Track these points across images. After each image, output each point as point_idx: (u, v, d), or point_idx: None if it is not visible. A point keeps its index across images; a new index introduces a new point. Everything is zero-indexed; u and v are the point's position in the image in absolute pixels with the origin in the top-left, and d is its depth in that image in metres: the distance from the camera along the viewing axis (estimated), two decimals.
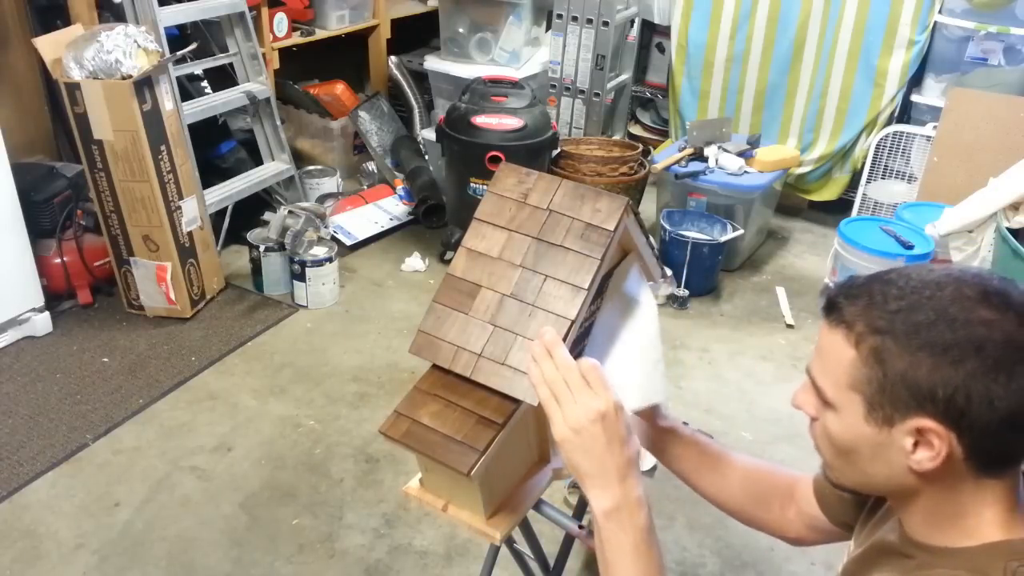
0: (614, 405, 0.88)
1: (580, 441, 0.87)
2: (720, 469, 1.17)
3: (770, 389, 2.68)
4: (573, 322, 0.97)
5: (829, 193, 3.79)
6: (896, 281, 0.80)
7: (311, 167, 3.79)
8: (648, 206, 3.62)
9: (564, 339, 0.96)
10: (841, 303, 0.82)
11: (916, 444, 0.77)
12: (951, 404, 0.74)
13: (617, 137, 3.99)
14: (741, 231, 3.17)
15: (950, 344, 0.74)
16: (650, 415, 1.17)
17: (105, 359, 2.65)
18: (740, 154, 3.34)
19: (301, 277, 2.95)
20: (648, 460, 2.29)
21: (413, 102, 4.03)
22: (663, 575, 0.89)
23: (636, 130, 4.31)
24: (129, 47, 2.54)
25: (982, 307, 0.75)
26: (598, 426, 0.87)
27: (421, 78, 3.98)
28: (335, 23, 3.65)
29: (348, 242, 3.38)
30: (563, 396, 0.88)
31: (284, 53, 3.43)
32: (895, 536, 0.87)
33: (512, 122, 3.07)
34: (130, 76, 2.52)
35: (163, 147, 2.65)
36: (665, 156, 3.43)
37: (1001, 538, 0.79)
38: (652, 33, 4.16)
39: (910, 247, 2.87)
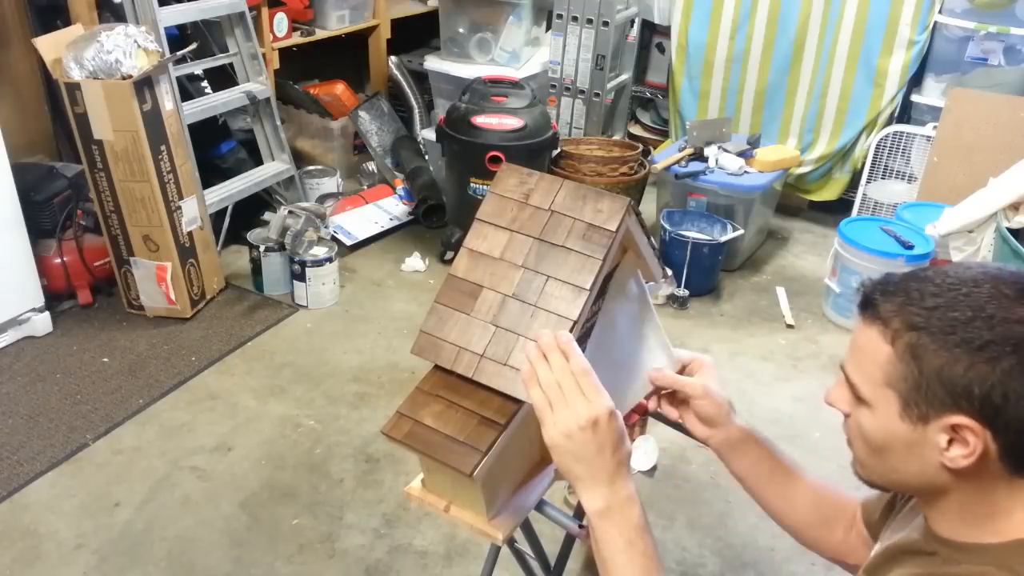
0: (607, 411, 0.88)
1: (571, 446, 0.88)
2: (792, 483, 1.14)
3: (770, 389, 2.68)
4: (575, 323, 0.97)
5: (829, 193, 3.80)
6: (933, 278, 0.80)
7: (311, 167, 3.79)
8: (648, 206, 3.62)
9: None
10: (877, 300, 0.82)
11: (951, 441, 0.77)
12: (987, 402, 0.74)
13: (617, 137, 3.99)
14: (741, 231, 3.17)
15: (987, 342, 0.74)
16: (726, 414, 1.13)
17: (105, 359, 2.65)
18: (740, 154, 3.35)
19: (301, 277, 2.95)
20: (649, 460, 2.29)
21: (413, 102, 4.03)
22: (659, 567, 0.90)
23: (636, 130, 4.31)
24: (129, 47, 2.53)
25: (1020, 305, 0.75)
26: (589, 432, 0.87)
27: (421, 78, 3.98)
28: (335, 23, 3.65)
29: (348, 242, 3.38)
30: (556, 401, 0.88)
31: (284, 53, 3.43)
32: (918, 534, 0.87)
33: (512, 122, 3.07)
34: (130, 76, 2.52)
35: (163, 147, 2.65)
36: (665, 156, 3.43)
37: None
38: (652, 33, 4.16)
39: (910, 247, 2.87)
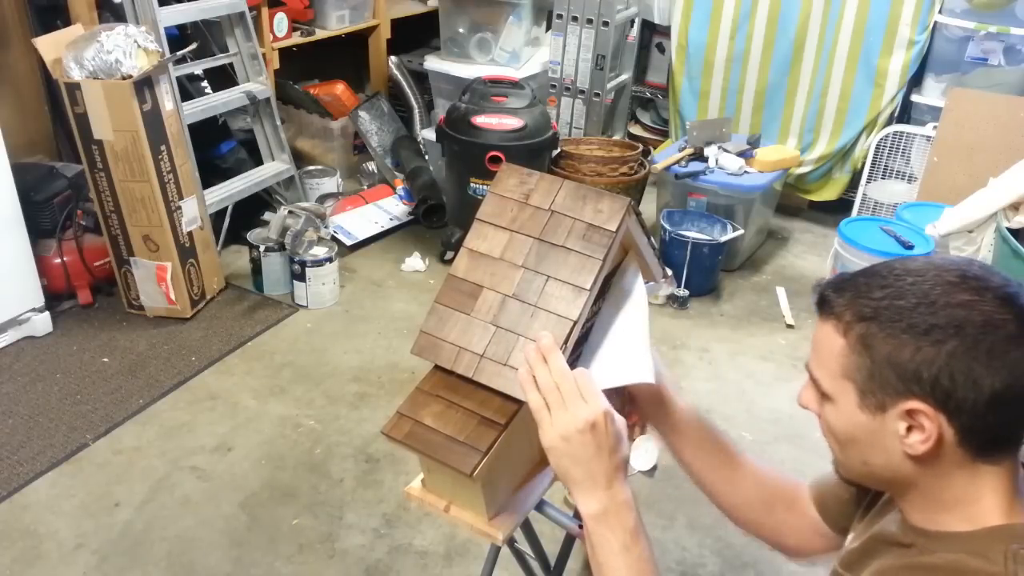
0: (604, 414, 0.89)
1: (569, 449, 0.89)
2: (735, 466, 1.15)
3: (770, 389, 2.68)
4: (575, 323, 0.97)
5: (829, 193, 3.80)
6: (880, 271, 0.83)
7: (311, 167, 3.79)
8: (648, 206, 3.62)
9: (566, 340, 0.96)
10: (830, 296, 0.85)
11: (909, 428, 0.80)
12: (936, 385, 0.76)
13: (617, 137, 3.99)
14: (741, 231, 3.17)
15: (931, 326, 0.77)
16: (667, 396, 1.13)
17: (105, 359, 2.65)
18: (740, 154, 3.34)
19: (301, 277, 2.95)
20: (649, 460, 2.29)
21: (413, 102, 4.03)
22: (655, 571, 0.90)
23: (636, 130, 4.31)
24: (129, 47, 2.53)
25: (961, 290, 0.78)
26: (587, 435, 0.88)
27: (421, 78, 3.98)
28: (335, 23, 3.65)
29: (348, 242, 3.38)
30: (554, 404, 0.89)
31: (284, 53, 3.43)
32: (895, 526, 0.89)
33: (512, 122, 3.07)
34: (130, 76, 2.52)
35: (163, 147, 2.65)
36: (665, 156, 3.43)
37: (1002, 522, 0.80)
38: (652, 33, 4.16)
39: (910, 247, 2.87)
